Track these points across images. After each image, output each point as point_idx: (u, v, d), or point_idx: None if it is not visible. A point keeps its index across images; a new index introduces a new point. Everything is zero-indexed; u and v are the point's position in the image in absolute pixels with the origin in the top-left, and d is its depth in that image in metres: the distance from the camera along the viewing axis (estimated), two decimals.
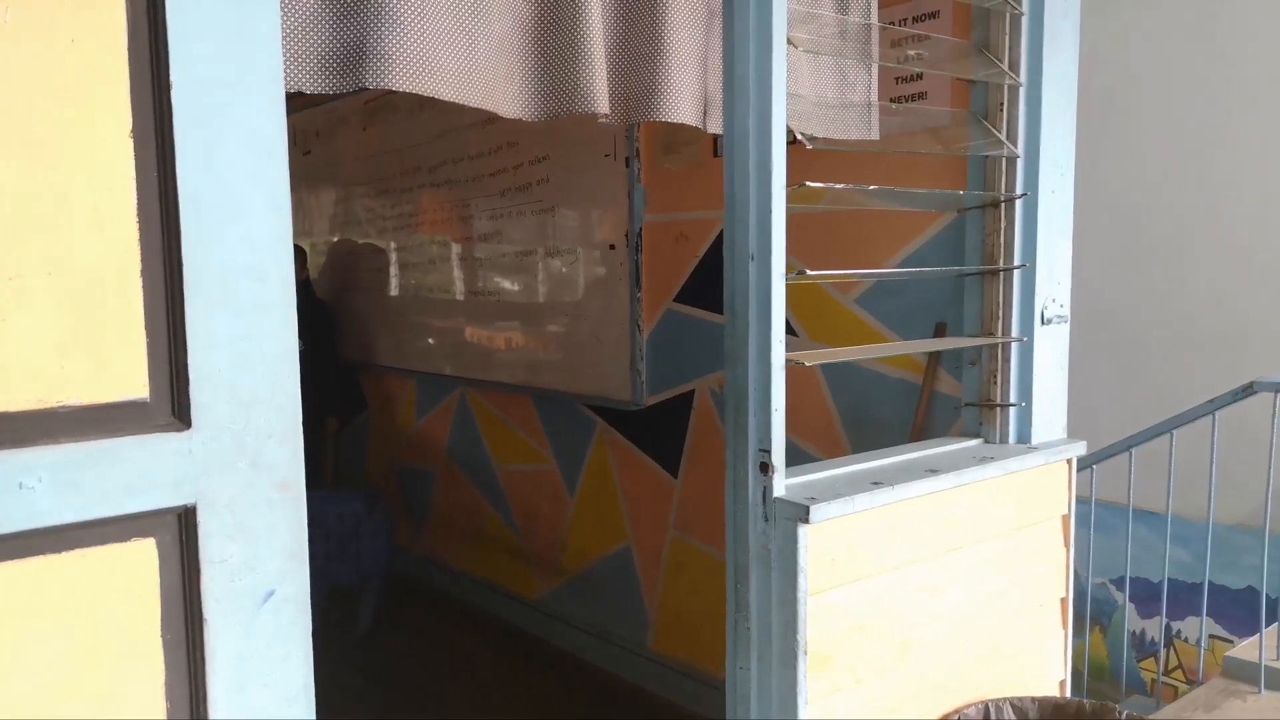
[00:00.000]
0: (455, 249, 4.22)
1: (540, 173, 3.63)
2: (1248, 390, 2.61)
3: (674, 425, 3.28)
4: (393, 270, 4.66)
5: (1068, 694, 2.13)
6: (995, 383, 2.04)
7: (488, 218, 3.97)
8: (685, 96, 1.74)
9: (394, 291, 4.66)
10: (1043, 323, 2.02)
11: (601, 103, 1.63)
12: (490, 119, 3.78)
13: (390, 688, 3.66)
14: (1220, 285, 3.28)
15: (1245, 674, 2.66)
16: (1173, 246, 3.39)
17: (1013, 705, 1.90)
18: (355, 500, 4.16)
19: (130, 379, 1.04)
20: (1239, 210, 3.25)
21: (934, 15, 2.35)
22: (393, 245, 4.65)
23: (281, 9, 1.12)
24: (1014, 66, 1.97)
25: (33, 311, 0.98)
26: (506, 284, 3.93)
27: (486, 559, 4.33)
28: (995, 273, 2.02)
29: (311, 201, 5.24)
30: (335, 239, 5.13)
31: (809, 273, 1.63)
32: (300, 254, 4.90)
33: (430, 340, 4.40)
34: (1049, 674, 2.08)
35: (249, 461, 1.08)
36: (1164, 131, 3.39)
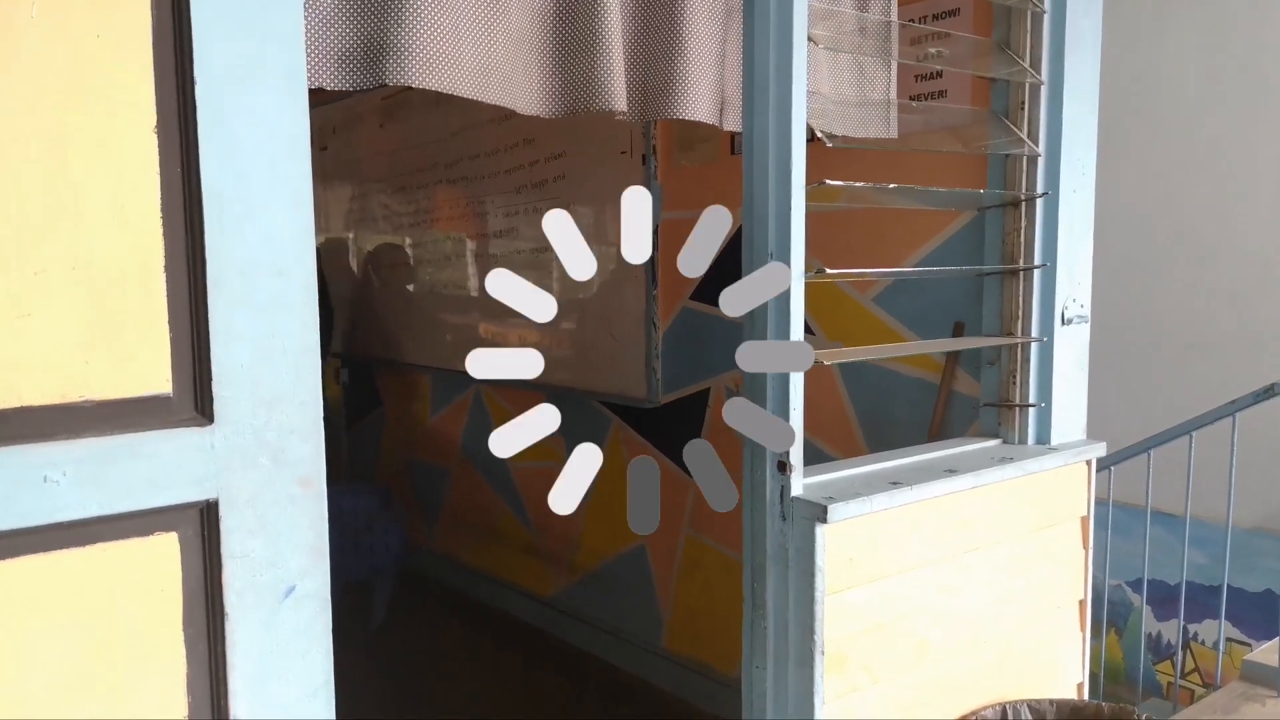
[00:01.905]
0: (470, 245, 4.22)
1: (556, 169, 3.63)
2: (1269, 392, 2.59)
3: (689, 423, 3.28)
4: (408, 266, 4.67)
5: (1085, 697, 2.12)
6: (1014, 383, 2.03)
7: (503, 214, 3.97)
8: (703, 94, 1.73)
9: (409, 287, 4.67)
10: (1063, 323, 2.00)
11: (619, 100, 1.63)
12: (506, 115, 3.77)
13: (401, 683, 3.67)
14: (1238, 287, 3.26)
15: (1264, 678, 2.64)
16: (1190, 247, 3.36)
17: (1030, 707, 1.89)
18: (368, 495, 4.17)
19: (153, 374, 1.04)
20: (1256, 211, 3.22)
21: (954, 13, 2.34)
22: (408, 241, 4.66)
23: (303, 5, 1.12)
24: (1035, 65, 1.95)
25: (57, 306, 0.98)
26: None
27: (500, 556, 4.33)
28: (1015, 272, 2.00)
29: (328, 197, 5.26)
30: (350, 235, 5.15)
31: (828, 271, 1.63)
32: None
33: (445, 336, 4.41)
34: (1067, 676, 2.07)
35: (271, 457, 1.09)
36: (1180, 132, 3.36)
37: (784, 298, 1.58)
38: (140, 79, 1.01)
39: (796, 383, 1.59)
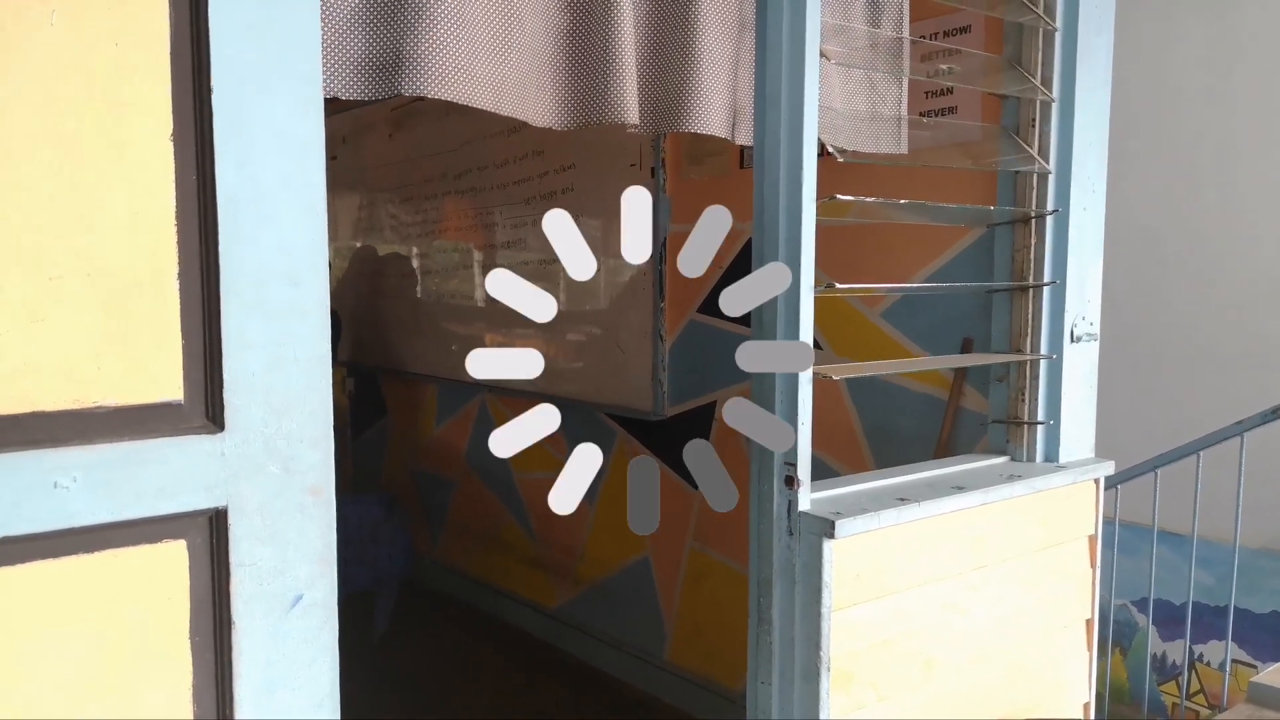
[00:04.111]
0: (478, 256, 4.23)
1: (565, 181, 3.64)
2: (1276, 412, 2.58)
3: (695, 436, 3.26)
4: (415, 276, 4.69)
5: (1092, 716, 2.11)
6: (1023, 400, 2.03)
7: (511, 225, 3.98)
8: (715, 107, 1.73)
9: (416, 297, 4.68)
10: (1072, 340, 2.00)
11: (632, 113, 1.63)
12: (515, 127, 3.79)
13: (404, 693, 3.66)
14: (1245, 305, 3.25)
15: (1271, 700, 2.61)
16: (1197, 265, 3.36)
17: None
18: (373, 504, 4.16)
19: (165, 381, 1.04)
20: (1263, 228, 3.21)
21: (966, 30, 2.34)
22: (416, 251, 4.67)
23: (320, 15, 1.13)
24: (1046, 82, 1.95)
25: (71, 312, 0.99)
26: None
27: (504, 566, 4.33)
28: (1024, 289, 2.00)
29: (337, 206, 5.28)
30: (358, 244, 5.16)
31: (838, 286, 1.63)
32: None
33: (452, 346, 4.41)
34: (1073, 695, 2.06)
35: (281, 465, 1.09)
36: (1187, 149, 3.36)
37: (793, 311, 1.58)
38: (157, 86, 1.02)
39: (805, 396, 1.59)
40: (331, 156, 5.16)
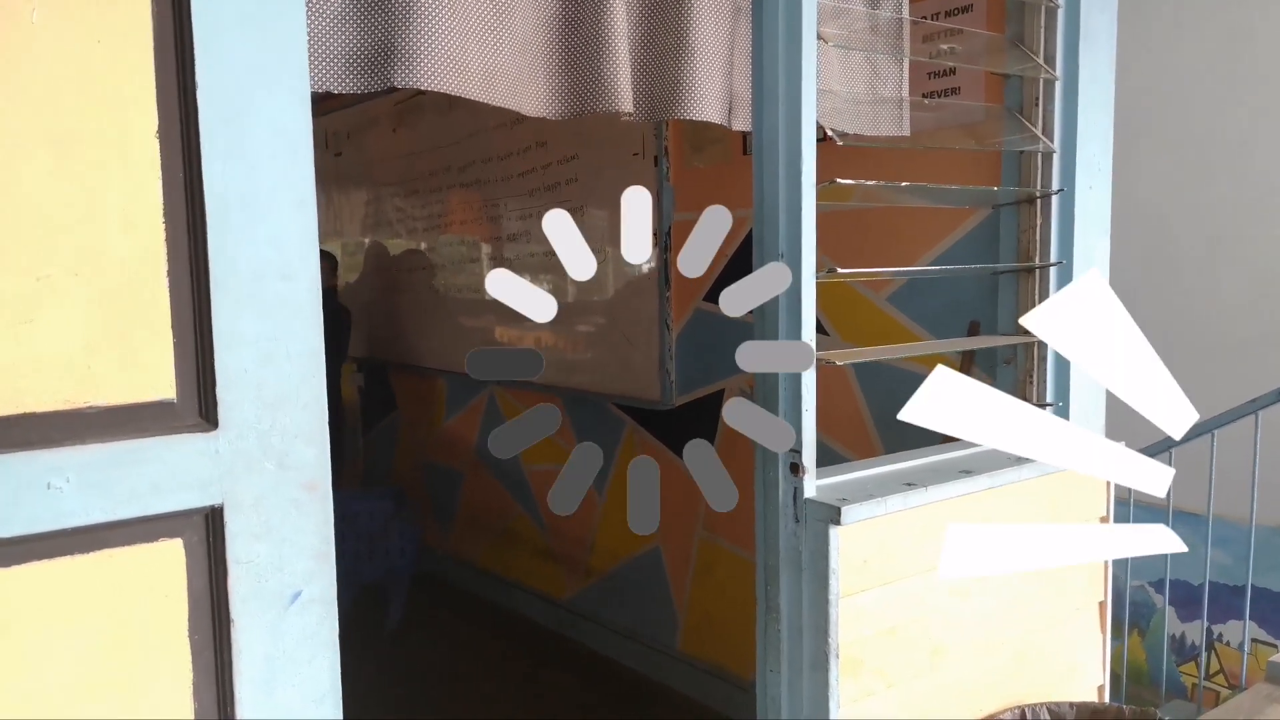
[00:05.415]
0: (484, 249, 4.22)
1: (569, 172, 3.62)
2: None
3: (703, 425, 3.26)
4: (423, 270, 4.68)
5: (1106, 699, 2.09)
6: (1031, 382, 2.01)
7: (516, 217, 3.97)
8: (710, 94, 1.72)
9: (424, 291, 4.68)
10: None
11: (625, 101, 1.62)
12: (518, 119, 3.77)
13: (417, 686, 3.67)
14: (1259, 285, 3.21)
15: None
16: (1207, 247, 3.32)
17: (1050, 710, 1.87)
18: (384, 498, 4.17)
19: (157, 379, 1.04)
20: (1273, 211, 3.18)
21: (967, 9, 2.31)
22: (422, 245, 4.67)
23: (308, 9, 1.12)
24: (1050, 60, 1.93)
25: (61, 311, 0.98)
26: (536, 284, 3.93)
27: (514, 558, 4.33)
28: (1031, 270, 1.98)
29: (342, 202, 5.28)
30: (366, 240, 5.17)
31: (840, 271, 1.61)
32: (332, 261, 4.95)
33: (460, 339, 4.41)
34: (1087, 679, 2.04)
35: (275, 462, 1.08)
36: (1197, 133, 3.32)
37: (795, 298, 1.57)
38: (142, 84, 1.01)
39: (808, 383, 1.57)
40: (336, 153, 5.16)
